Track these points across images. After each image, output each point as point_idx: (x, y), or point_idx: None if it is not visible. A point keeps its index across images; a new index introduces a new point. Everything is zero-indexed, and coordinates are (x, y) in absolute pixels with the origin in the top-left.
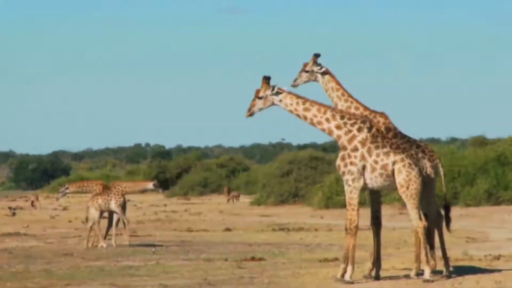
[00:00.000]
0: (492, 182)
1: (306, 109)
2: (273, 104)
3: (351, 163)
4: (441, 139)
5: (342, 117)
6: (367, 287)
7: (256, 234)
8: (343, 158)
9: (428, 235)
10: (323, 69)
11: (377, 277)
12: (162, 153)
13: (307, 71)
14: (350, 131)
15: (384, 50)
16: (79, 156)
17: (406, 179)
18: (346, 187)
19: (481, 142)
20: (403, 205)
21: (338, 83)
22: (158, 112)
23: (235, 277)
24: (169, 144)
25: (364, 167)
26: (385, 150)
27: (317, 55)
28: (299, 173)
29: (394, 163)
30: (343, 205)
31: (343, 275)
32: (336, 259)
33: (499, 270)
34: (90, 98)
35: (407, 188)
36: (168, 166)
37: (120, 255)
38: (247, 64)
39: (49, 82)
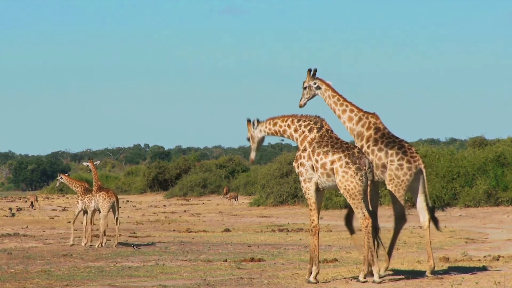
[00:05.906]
0: (491, 182)
1: (274, 124)
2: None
3: (301, 164)
4: (441, 139)
5: (298, 120)
6: (366, 287)
7: (255, 234)
8: (296, 159)
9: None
10: (317, 84)
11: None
12: (161, 154)
13: (305, 88)
14: (303, 132)
15: (383, 51)
16: (78, 157)
17: (342, 180)
18: (302, 188)
19: (480, 142)
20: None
21: (333, 90)
22: (157, 113)
23: (234, 278)
24: (168, 145)
25: (312, 167)
26: (325, 149)
27: (310, 70)
28: None
29: (332, 162)
30: (342, 206)
31: (314, 276)
32: (336, 260)
33: (499, 271)
34: (89, 98)
35: (345, 188)
36: (167, 167)
37: (119, 255)
38: (247, 65)
39: (48, 82)
